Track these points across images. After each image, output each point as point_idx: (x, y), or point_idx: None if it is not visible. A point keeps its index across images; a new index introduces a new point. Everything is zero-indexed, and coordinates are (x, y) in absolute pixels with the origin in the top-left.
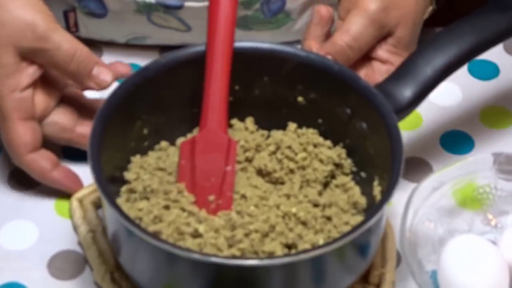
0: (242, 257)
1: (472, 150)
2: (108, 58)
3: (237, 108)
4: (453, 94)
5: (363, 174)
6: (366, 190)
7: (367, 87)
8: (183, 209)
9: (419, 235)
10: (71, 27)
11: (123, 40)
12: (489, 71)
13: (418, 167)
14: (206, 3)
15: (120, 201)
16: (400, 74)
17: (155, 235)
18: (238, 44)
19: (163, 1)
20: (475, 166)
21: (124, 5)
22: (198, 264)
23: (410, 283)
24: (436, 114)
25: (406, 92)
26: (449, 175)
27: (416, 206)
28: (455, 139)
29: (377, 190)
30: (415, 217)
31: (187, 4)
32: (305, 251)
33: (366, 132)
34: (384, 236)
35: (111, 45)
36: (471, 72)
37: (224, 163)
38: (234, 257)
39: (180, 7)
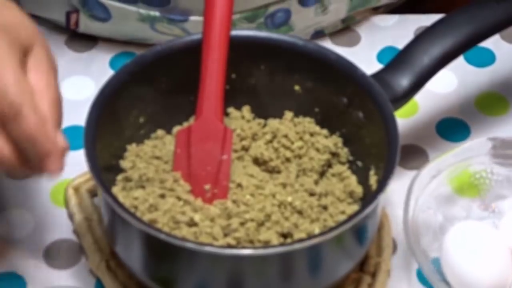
0: (237, 246)
1: (468, 137)
2: (102, 47)
3: (233, 97)
4: (449, 81)
5: (359, 163)
6: (363, 179)
7: (363, 76)
8: (179, 198)
9: (420, 223)
10: (71, 25)
11: (122, 39)
12: (485, 58)
13: (414, 154)
14: None
15: (116, 189)
16: (397, 63)
17: (150, 224)
18: (235, 33)
19: (168, 15)
20: (471, 152)
21: (128, 13)
22: (193, 253)
23: (406, 271)
24: (432, 101)
25: (403, 81)
26: (445, 162)
27: (416, 194)
28: (451, 126)
29: (373, 179)
30: (416, 205)
31: (192, 18)
32: (300, 240)
33: (363, 121)
34: (380, 225)
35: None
36: (467, 59)
37: (220, 152)
38: (229, 246)
39: (185, 20)
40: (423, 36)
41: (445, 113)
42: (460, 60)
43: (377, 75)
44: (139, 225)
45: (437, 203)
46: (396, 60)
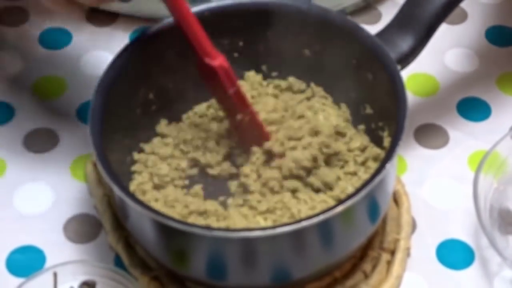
0: (244, 228)
1: (489, 117)
2: (122, 22)
3: (244, 63)
4: (470, 60)
5: (373, 126)
6: (378, 142)
7: (369, 37)
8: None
9: None
10: None
11: (142, 16)
12: (507, 38)
13: (434, 133)
14: None
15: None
16: (400, 17)
17: (157, 211)
18: (236, 2)
19: None
20: None
21: None
22: (202, 238)
23: (425, 251)
24: (453, 81)
25: (409, 37)
26: None
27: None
28: (472, 106)
29: (387, 141)
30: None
31: None
32: (308, 218)
33: (372, 82)
34: (400, 203)
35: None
36: (489, 38)
37: (225, 87)
38: (231, 229)
39: None
40: None
41: (466, 93)
42: (482, 40)
43: (382, 34)
44: (148, 213)
45: None
46: (399, 14)
